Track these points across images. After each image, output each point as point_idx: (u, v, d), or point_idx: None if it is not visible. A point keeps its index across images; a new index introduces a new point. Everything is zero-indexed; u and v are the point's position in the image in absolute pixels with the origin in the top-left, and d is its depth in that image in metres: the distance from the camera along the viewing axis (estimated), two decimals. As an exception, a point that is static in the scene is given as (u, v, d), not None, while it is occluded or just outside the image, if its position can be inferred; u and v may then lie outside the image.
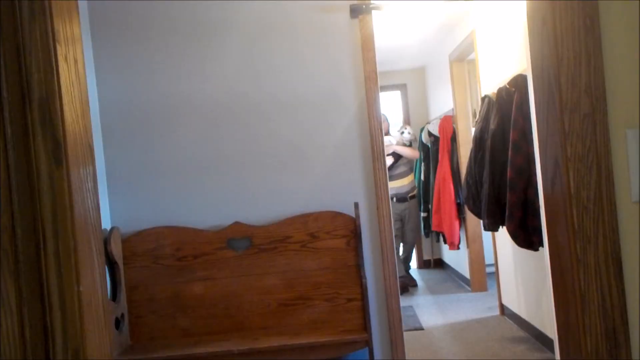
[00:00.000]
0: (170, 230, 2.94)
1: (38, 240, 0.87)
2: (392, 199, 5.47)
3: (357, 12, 2.94)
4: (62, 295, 0.88)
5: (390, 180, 5.03)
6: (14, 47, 0.87)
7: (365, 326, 2.81)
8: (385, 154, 5.03)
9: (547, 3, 1.05)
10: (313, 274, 2.92)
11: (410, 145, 5.89)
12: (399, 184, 5.70)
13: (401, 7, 3.58)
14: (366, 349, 2.74)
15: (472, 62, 5.00)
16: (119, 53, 2.99)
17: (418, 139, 6.42)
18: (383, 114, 5.55)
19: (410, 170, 5.85)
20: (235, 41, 3.00)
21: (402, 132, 5.81)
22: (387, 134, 5.76)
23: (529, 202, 3.19)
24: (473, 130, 4.25)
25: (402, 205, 5.73)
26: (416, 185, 6.04)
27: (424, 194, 6.28)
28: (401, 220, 5.76)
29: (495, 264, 4.62)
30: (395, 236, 5.35)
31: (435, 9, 4.56)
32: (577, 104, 1.03)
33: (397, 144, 5.73)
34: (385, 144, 5.13)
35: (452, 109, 5.52)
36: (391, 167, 5.58)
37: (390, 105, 7.26)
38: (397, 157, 5.69)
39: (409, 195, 5.77)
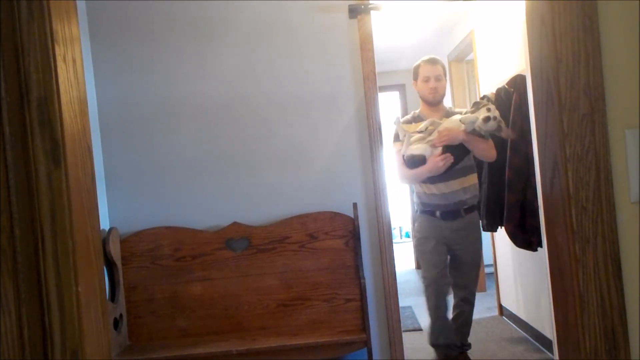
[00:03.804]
0: (168, 230, 2.94)
1: (37, 241, 0.87)
2: (433, 213, 3.28)
3: (356, 12, 2.94)
4: (61, 295, 0.87)
5: (430, 183, 3.22)
6: (13, 48, 0.87)
7: (364, 327, 2.81)
8: (442, 141, 3.05)
9: (546, 3, 1.05)
10: (312, 274, 2.92)
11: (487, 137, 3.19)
12: (445, 190, 3.23)
13: (400, 7, 3.58)
14: (365, 350, 2.74)
15: (471, 63, 5.00)
16: (117, 53, 2.99)
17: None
18: (440, 63, 3.33)
19: (468, 170, 3.30)
20: (233, 41, 3.00)
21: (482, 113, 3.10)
22: (439, 103, 3.34)
23: (527, 202, 3.19)
24: (472, 130, 4.23)
25: (451, 224, 3.27)
26: (478, 192, 3.40)
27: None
28: (447, 247, 3.32)
29: (494, 265, 4.62)
30: (437, 272, 3.27)
31: (434, 9, 4.56)
32: (576, 104, 1.03)
33: (466, 129, 3.11)
34: (444, 126, 3.11)
35: (451, 110, 5.52)
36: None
37: (389, 106, 7.25)
38: (461, 152, 3.17)
39: (464, 207, 3.26)
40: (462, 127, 3.12)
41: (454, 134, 3.12)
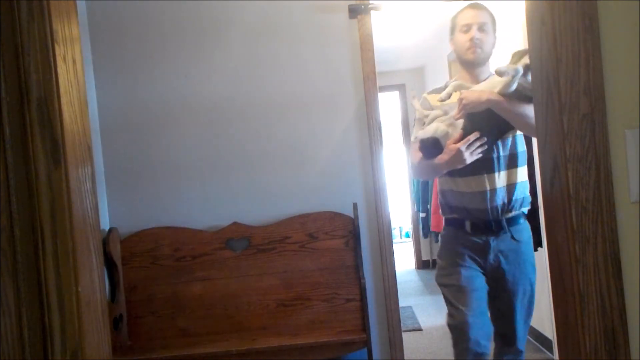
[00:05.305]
0: (168, 230, 2.94)
1: (37, 241, 0.87)
2: (461, 224, 2.31)
3: (356, 12, 2.94)
4: (61, 295, 0.87)
5: (458, 177, 2.27)
6: (13, 48, 0.87)
7: (364, 327, 2.81)
8: (461, 111, 2.10)
9: (546, 3, 1.05)
10: (312, 274, 2.92)
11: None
12: (475, 187, 2.24)
13: (400, 7, 3.59)
14: (365, 350, 2.74)
15: (471, 63, 4.99)
16: (117, 53, 2.99)
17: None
18: (486, 9, 2.40)
19: (514, 160, 2.27)
20: (233, 42, 3.00)
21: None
22: (483, 64, 2.38)
23: (527, 202, 3.18)
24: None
25: (488, 242, 2.26)
26: (527, 194, 2.36)
27: (422, 194, 6.29)
28: (479, 273, 2.29)
29: (494, 264, 4.62)
30: (469, 316, 2.20)
31: (434, 9, 4.56)
32: (576, 104, 1.03)
33: (503, 93, 2.06)
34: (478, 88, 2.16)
35: (451, 110, 5.52)
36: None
37: (389, 106, 7.26)
38: (496, 128, 2.17)
39: (507, 216, 2.28)
40: (498, 87, 2.06)
41: (474, 97, 2.07)
